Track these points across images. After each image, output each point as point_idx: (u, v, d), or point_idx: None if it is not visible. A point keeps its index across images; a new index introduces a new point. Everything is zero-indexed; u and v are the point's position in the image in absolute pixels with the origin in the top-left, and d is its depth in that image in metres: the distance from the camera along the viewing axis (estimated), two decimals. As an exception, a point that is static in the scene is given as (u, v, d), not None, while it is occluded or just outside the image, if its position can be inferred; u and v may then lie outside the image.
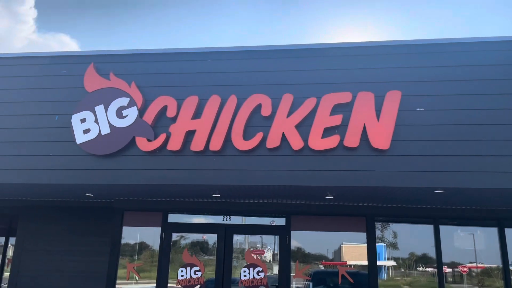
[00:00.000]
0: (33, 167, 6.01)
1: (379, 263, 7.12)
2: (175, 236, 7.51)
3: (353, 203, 7.12)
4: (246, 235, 7.55)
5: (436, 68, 5.84)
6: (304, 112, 5.74)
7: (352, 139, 5.56)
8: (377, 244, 7.14)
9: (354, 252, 7.35)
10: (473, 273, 7.20)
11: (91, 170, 5.93)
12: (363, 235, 7.21)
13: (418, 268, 7.30)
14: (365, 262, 7.09)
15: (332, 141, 5.57)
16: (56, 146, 6.09)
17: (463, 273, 7.17)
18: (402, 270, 7.34)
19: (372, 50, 6.07)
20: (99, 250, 7.65)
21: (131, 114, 6.03)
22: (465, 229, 7.40)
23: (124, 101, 6.10)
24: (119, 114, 6.06)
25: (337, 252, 7.40)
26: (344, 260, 7.28)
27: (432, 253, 7.15)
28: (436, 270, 7.05)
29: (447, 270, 7.13)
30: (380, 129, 5.55)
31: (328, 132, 5.65)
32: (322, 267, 7.37)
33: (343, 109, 5.73)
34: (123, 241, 7.55)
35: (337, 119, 5.66)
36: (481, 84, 5.70)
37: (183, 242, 7.59)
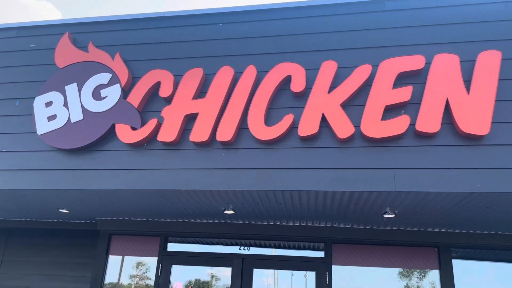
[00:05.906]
0: (-23, 167, 4.40)
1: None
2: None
3: (419, 228, 5.09)
4: (274, 271, 5.57)
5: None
6: (355, 85, 3.94)
7: (428, 121, 3.69)
8: None
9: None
10: None
11: (53, 171, 4.26)
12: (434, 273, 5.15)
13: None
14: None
15: (397, 125, 3.72)
16: (13, 139, 4.50)
17: None
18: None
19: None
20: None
21: (112, 94, 4.39)
22: None
23: (104, 77, 4.49)
24: (97, 94, 4.44)
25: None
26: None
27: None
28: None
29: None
30: (472, 105, 3.67)
31: (391, 112, 3.82)
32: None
33: (413, 79, 3.91)
34: (108, 276, 5.71)
35: (404, 94, 3.83)
36: None
37: (184, 278, 5.66)
